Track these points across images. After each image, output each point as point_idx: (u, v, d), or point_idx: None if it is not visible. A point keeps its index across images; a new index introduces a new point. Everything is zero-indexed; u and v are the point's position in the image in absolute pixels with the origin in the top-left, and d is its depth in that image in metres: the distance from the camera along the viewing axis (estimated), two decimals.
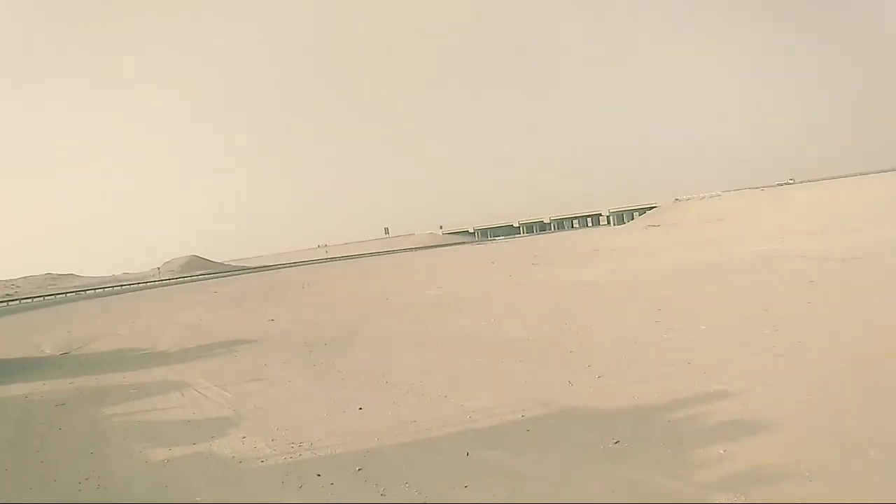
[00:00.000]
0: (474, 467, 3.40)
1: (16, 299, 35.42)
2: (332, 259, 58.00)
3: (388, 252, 59.38)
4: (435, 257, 36.92)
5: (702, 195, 47.57)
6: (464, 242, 67.00)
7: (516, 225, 77.95)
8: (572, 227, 72.20)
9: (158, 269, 58.18)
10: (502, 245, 46.44)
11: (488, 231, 78.88)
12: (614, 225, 60.27)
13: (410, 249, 61.59)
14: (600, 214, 67.91)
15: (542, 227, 75.48)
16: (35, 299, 35.95)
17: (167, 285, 43.61)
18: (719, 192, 46.53)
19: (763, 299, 7.73)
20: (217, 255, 68.35)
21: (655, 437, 3.56)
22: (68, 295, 38.17)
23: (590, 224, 70.90)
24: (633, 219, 56.75)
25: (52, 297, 37.30)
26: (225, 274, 50.41)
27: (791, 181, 49.96)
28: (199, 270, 54.47)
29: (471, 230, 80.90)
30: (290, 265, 54.81)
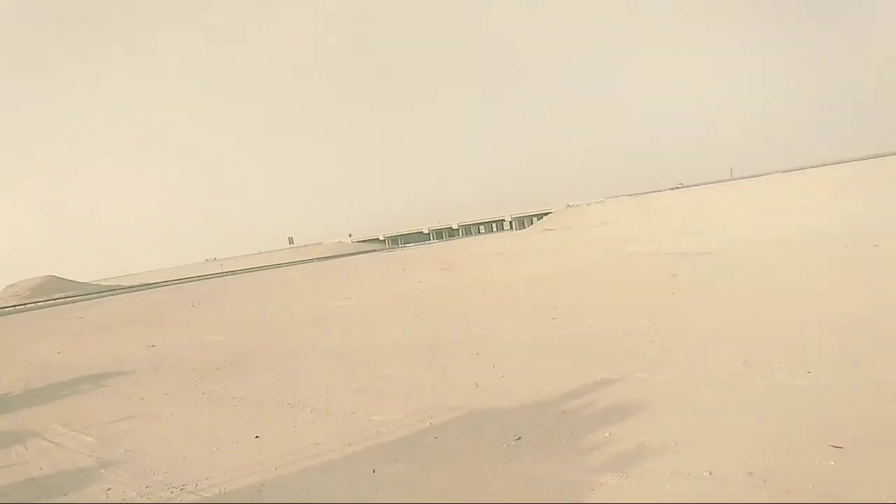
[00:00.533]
0: (380, 483, 3.29)
1: None
2: (227, 273, 52.95)
3: (292, 263, 56.03)
4: (344, 266, 35.77)
5: (588, 202, 52.85)
6: (374, 250, 65.99)
7: (426, 231, 79.03)
8: (479, 232, 75.32)
9: None
10: (413, 252, 46.64)
11: (399, 238, 78.89)
12: (516, 230, 64.08)
13: (318, 259, 58.91)
14: (504, 220, 71.89)
15: (451, 234, 77.54)
16: None
17: (13, 312, 35.93)
18: (603, 199, 52.12)
19: (638, 292, 8.78)
20: (81, 275, 58.49)
21: (552, 429, 3.79)
22: None
23: (495, 229, 74.57)
24: (532, 223, 60.93)
25: None
26: (93, 296, 43.07)
27: (680, 185, 58.42)
28: (57, 293, 45.81)
29: (381, 238, 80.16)
30: (176, 282, 48.93)
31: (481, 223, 76.81)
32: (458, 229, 77.34)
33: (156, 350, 10.04)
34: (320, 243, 79.18)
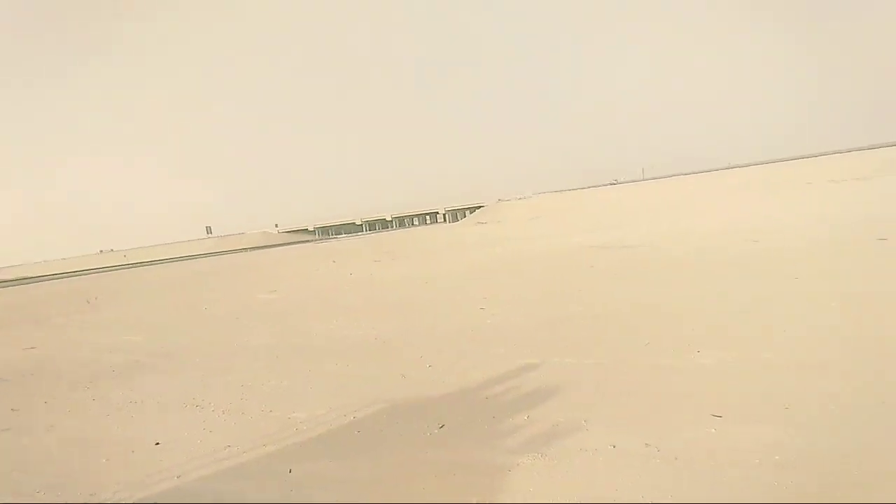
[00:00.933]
0: (296, 482, 3.14)
1: None
2: (132, 265, 47.69)
3: (211, 254, 51.92)
4: (270, 258, 33.81)
5: (519, 196, 55.02)
6: (304, 241, 63.18)
7: (359, 223, 77.30)
8: (413, 224, 75.20)
9: None
10: (345, 243, 45.35)
11: (330, 229, 76.34)
12: (450, 222, 64.92)
13: (240, 250, 55.15)
14: (437, 212, 72.46)
15: (385, 225, 76.59)
16: None
17: None
18: (532, 194, 54.55)
19: (564, 282, 9.29)
20: None
21: (475, 414, 3.88)
22: None
23: (429, 221, 74.93)
24: (465, 217, 62.08)
25: None
26: None
27: (615, 182, 63.26)
28: None
29: (311, 228, 76.99)
30: (66, 275, 43.05)
31: (415, 215, 76.76)
32: (392, 221, 76.56)
33: (36, 353, 8.75)
34: (243, 233, 74.24)
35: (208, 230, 74.69)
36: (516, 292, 9.02)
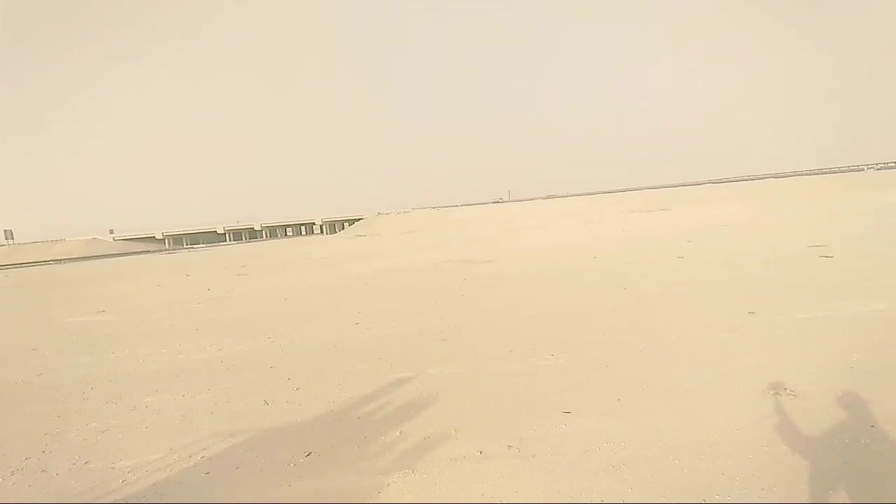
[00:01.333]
0: None
1: None
2: None
3: (11, 266, 40.96)
4: (100, 271, 28.01)
5: (399, 210, 55.69)
6: (148, 251, 54.04)
7: (221, 231, 69.30)
8: (286, 235, 70.30)
9: None
10: (203, 254, 40.08)
11: (184, 238, 66.85)
12: (327, 234, 62.37)
13: (56, 262, 44.70)
14: (314, 223, 69.02)
15: (253, 235, 70.08)
16: None
17: None
18: (410, 209, 55.68)
19: (434, 295, 9.57)
20: None
21: (344, 437, 3.70)
22: None
23: (304, 232, 70.90)
24: (343, 228, 60.35)
25: None
26: None
27: (500, 200, 69.10)
28: None
29: (159, 236, 66.44)
30: None
31: (289, 225, 71.90)
32: (261, 231, 70.39)
33: None
34: (62, 240, 60.55)
35: (8, 235, 58.85)
36: (392, 305, 9.01)
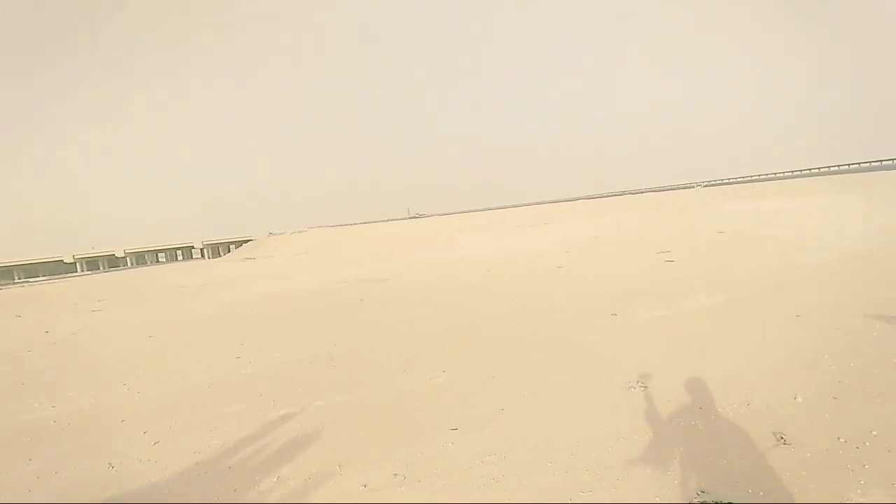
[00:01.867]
0: None
1: None
2: None
3: None
4: None
5: (293, 230, 52.68)
6: None
7: (70, 260, 58.49)
8: (157, 261, 61.85)
9: None
10: (44, 288, 33.19)
11: (15, 270, 55.06)
12: (209, 258, 56.33)
13: None
14: (192, 247, 61.83)
15: (115, 263, 60.36)
16: None
17: None
18: (306, 228, 53.09)
19: (329, 319, 9.13)
20: None
21: (210, 493, 3.26)
22: None
23: (181, 257, 63.11)
24: (229, 251, 55.08)
25: None
26: None
27: (417, 215, 70.28)
28: None
29: None
30: None
31: (161, 250, 63.36)
32: (125, 258, 60.92)
33: None
34: None
35: None
36: (280, 333, 8.37)
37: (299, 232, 51.56)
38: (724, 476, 2.76)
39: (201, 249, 61.88)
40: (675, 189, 74.61)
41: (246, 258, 40.94)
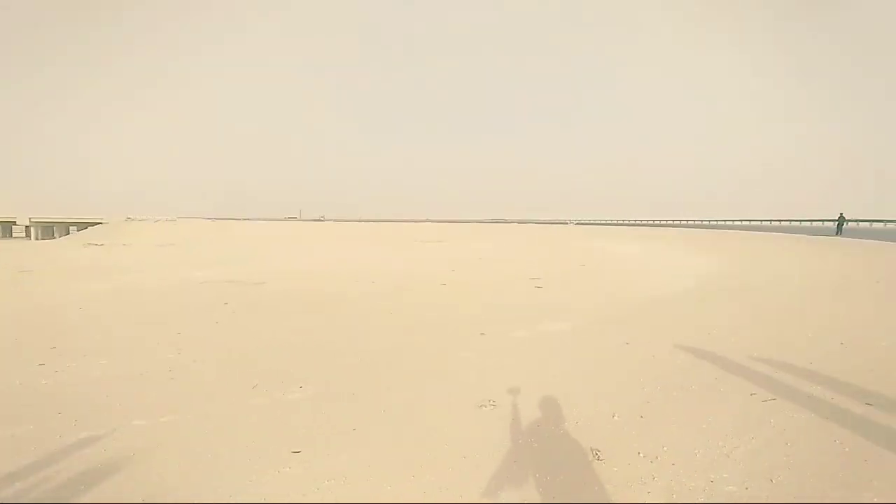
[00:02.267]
0: None
1: None
2: None
3: None
4: None
5: (157, 218, 45.97)
6: None
7: None
8: None
9: None
10: None
11: None
12: (39, 239, 46.18)
13: None
14: (14, 222, 50.10)
15: None
16: None
17: None
18: (176, 217, 46.79)
19: (181, 323, 7.99)
20: None
21: None
22: None
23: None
24: (68, 233, 45.82)
25: None
26: None
27: (322, 218, 65.23)
28: None
29: None
30: None
31: None
32: None
33: None
34: None
35: None
36: (113, 336, 7.07)
37: (167, 220, 45.06)
38: (546, 492, 2.97)
39: (27, 227, 50.20)
40: (552, 223, 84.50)
41: (90, 243, 34.47)
